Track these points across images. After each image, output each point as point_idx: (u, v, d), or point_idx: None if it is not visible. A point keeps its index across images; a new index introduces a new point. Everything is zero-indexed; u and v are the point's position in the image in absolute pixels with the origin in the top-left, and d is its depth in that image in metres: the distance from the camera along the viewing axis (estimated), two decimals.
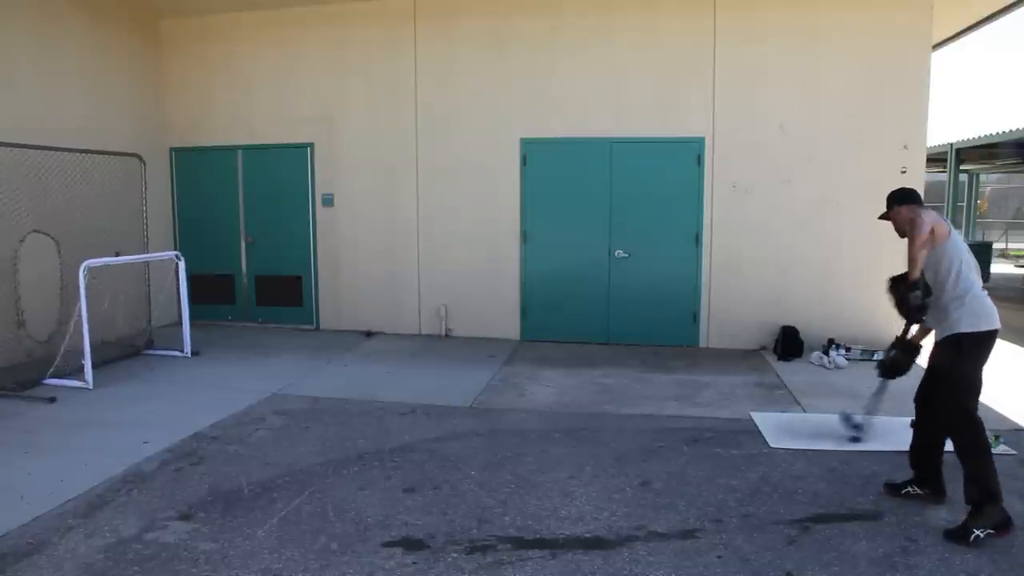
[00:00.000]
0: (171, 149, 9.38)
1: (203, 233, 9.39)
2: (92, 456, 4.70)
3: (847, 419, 5.07)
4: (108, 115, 8.35)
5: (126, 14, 8.71)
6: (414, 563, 3.38)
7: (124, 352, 7.45)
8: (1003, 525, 3.54)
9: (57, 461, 4.64)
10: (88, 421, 5.48)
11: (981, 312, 3.72)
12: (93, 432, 5.23)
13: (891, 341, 4.18)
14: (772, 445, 4.97)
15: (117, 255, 6.93)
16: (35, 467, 4.53)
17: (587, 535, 3.68)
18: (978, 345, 3.73)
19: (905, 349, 4.04)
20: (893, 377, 4.18)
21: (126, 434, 5.13)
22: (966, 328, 3.71)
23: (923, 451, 4.06)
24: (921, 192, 7.66)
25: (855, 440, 4.96)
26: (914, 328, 4.05)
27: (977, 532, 3.49)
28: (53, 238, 6.80)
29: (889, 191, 4.18)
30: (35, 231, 6.67)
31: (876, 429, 4.96)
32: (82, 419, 5.52)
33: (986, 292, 3.82)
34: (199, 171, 9.40)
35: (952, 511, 3.83)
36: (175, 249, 8.54)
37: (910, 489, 4.09)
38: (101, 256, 6.69)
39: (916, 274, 3.76)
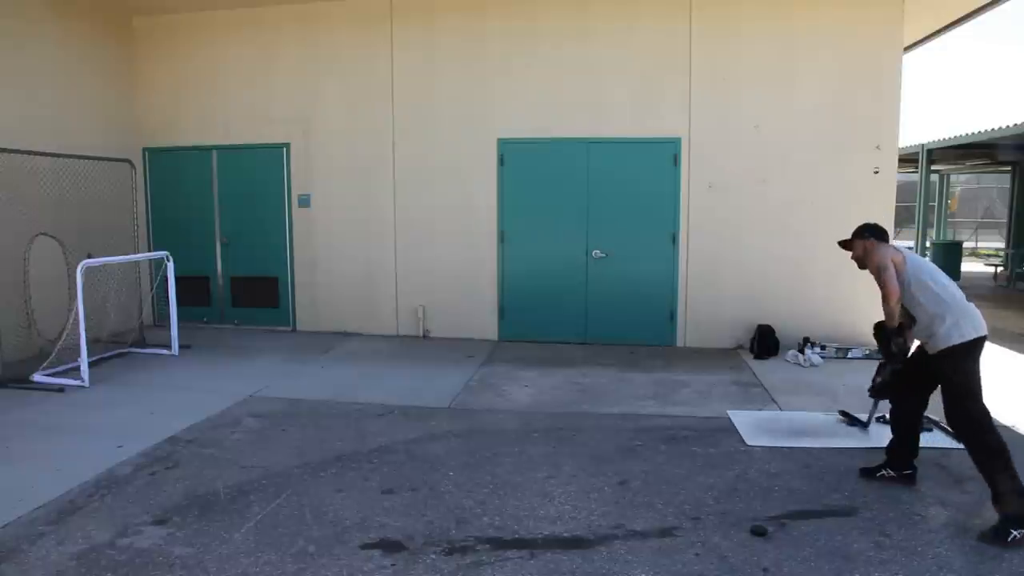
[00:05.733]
0: (144, 149, 9.23)
1: (177, 234, 9.23)
2: (64, 461, 4.61)
3: (848, 417, 5.38)
4: (79, 115, 8.19)
5: (98, 12, 8.55)
6: (392, 565, 3.36)
7: (104, 352, 7.35)
8: None
9: (28, 466, 4.55)
10: (61, 425, 5.39)
11: (966, 321, 3.82)
12: (66, 436, 5.13)
13: (877, 359, 4.44)
14: (749, 443, 5.01)
15: (89, 256, 6.83)
16: (4, 473, 4.44)
17: (566, 535, 3.68)
18: (968, 352, 3.81)
19: (894, 371, 4.17)
20: (883, 398, 4.45)
21: (99, 438, 5.04)
22: (956, 340, 3.79)
23: (900, 441, 4.24)
24: (893, 192, 7.77)
25: (864, 425, 5.18)
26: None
27: (1015, 533, 3.49)
28: (59, 241, 6.79)
29: (861, 221, 4.35)
30: (42, 234, 6.67)
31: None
32: (55, 423, 5.43)
33: (964, 295, 3.95)
34: (173, 172, 9.26)
35: (924, 505, 3.94)
36: (149, 250, 8.45)
37: (884, 472, 4.26)
38: (89, 258, 6.68)
39: (894, 323, 3.95)
